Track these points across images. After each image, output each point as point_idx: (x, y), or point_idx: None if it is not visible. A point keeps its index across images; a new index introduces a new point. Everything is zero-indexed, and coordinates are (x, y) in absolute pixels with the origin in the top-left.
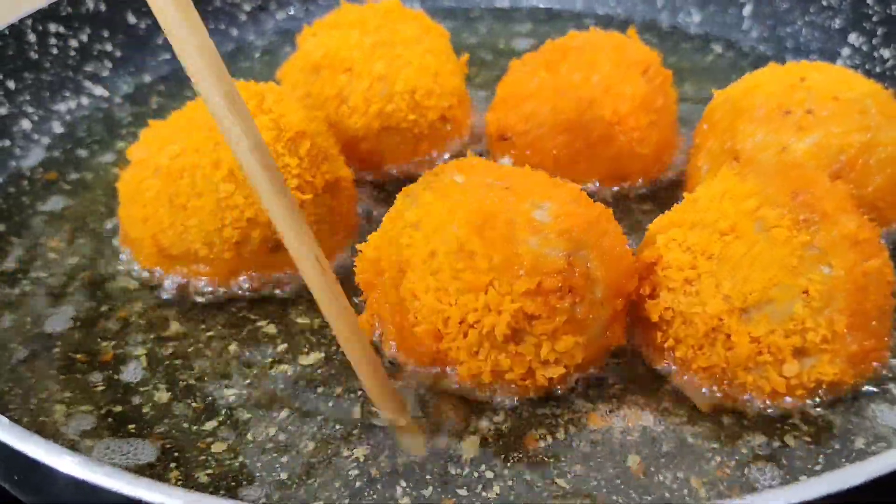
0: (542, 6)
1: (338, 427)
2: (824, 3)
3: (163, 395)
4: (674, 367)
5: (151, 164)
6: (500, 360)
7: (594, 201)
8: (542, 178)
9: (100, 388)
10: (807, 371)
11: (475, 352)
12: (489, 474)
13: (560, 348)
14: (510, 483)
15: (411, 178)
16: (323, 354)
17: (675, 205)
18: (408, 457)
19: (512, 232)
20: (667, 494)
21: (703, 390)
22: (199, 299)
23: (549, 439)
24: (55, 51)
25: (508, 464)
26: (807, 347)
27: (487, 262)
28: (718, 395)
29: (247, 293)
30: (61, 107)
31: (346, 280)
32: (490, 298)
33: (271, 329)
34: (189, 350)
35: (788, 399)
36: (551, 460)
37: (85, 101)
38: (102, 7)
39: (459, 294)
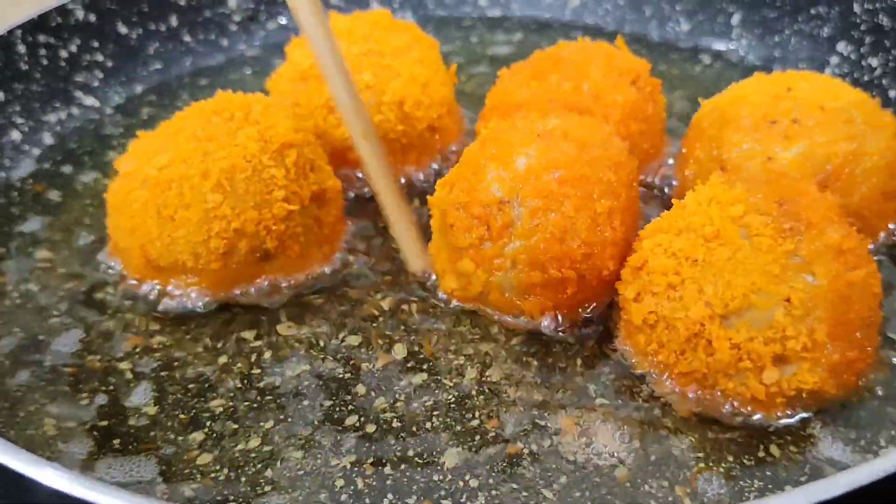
0: (532, 16)
1: (323, 439)
2: (812, 13)
3: (150, 408)
4: (656, 372)
5: (139, 175)
6: (432, 243)
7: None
8: (586, 146)
9: (87, 401)
10: (787, 379)
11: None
12: (473, 483)
13: (460, 267)
14: (494, 492)
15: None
16: (309, 366)
17: (663, 212)
18: (394, 468)
19: (493, 159)
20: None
21: (688, 396)
22: (187, 310)
23: (534, 447)
24: (45, 61)
25: (493, 474)
26: (787, 355)
27: (463, 173)
28: (701, 401)
29: (234, 304)
30: (51, 117)
31: (336, 286)
32: (441, 196)
33: (258, 340)
34: (176, 361)
35: (772, 409)
36: (537, 470)
37: (75, 111)
38: (92, 17)
39: (440, 186)
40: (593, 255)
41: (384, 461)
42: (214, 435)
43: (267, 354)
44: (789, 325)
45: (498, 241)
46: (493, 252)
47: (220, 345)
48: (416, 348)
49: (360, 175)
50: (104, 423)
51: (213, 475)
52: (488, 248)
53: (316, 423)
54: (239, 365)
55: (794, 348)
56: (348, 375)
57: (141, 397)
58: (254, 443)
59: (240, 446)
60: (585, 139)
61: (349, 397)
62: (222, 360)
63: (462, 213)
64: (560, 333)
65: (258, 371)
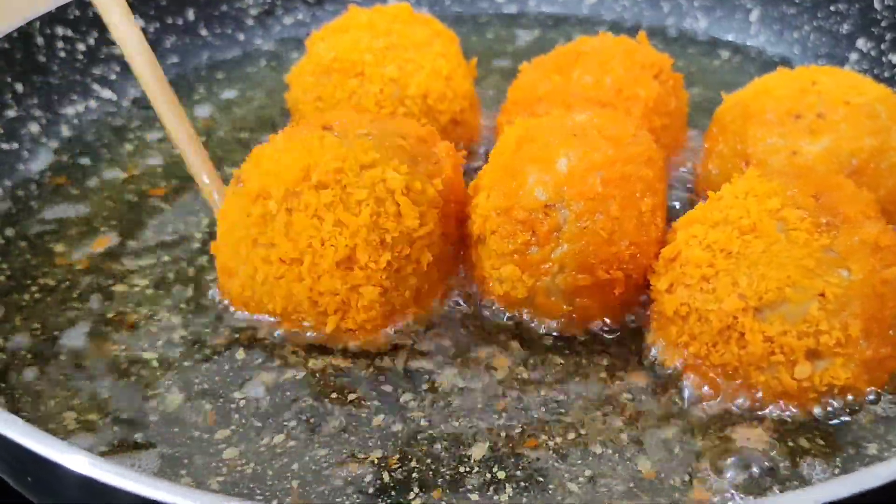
0: (548, 12)
1: (350, 433)
2: (832, 9)
3: (174, 401)
4: (686, 365)
5: None
6: (472, 253)
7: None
8: (622, 143)
9: (110, 394)
10: (819, 374)
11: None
12: (501, 475)
13: (504, 273)
14: (522, 484)
15: None
16: (334, 360)
17: (693, 206)
18: (419, 462)
19: (531, 162)
20: (678, 497)
21: (719, 389)
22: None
23: (559, 441)
24: (63, 54)
25: (519, 466)
26: (820, 350)
27: (500, 177)
28: (732, 394)
29: None
30: (69, 110)
31: None
32: (479, 202)
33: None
34: (200, 355)
35: (804, 403)
36: (562, 465)
37: (93, 104)
38: None
39: (474, 191)
40: (639, 253)
41: (409, 456)
42: (240, 429)
43: (291, 350)
44: (823, 319)
45: (545, 246)
46: (540, 257)
47: (242, 338)
48: (444, 345)
49: None
50: (128, 415)
51: (239, 469)
52: (535, 253)
53: (342, 419)
54: (263, 359)
55: (828, 343)
56: (373, 372)
57: (166, 389)
58: (280, 437)
59: (265, 441)
60: (618, 136)
61: (374, 394)
62: (244, 354)
63: (504, 218)
64: (589, 327)
65: (282, 365)
